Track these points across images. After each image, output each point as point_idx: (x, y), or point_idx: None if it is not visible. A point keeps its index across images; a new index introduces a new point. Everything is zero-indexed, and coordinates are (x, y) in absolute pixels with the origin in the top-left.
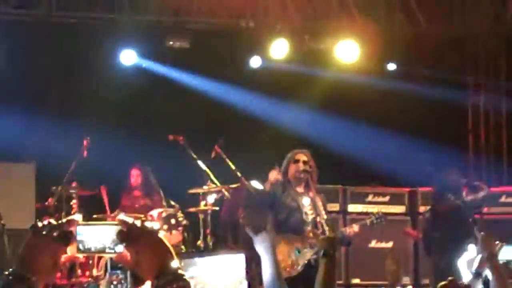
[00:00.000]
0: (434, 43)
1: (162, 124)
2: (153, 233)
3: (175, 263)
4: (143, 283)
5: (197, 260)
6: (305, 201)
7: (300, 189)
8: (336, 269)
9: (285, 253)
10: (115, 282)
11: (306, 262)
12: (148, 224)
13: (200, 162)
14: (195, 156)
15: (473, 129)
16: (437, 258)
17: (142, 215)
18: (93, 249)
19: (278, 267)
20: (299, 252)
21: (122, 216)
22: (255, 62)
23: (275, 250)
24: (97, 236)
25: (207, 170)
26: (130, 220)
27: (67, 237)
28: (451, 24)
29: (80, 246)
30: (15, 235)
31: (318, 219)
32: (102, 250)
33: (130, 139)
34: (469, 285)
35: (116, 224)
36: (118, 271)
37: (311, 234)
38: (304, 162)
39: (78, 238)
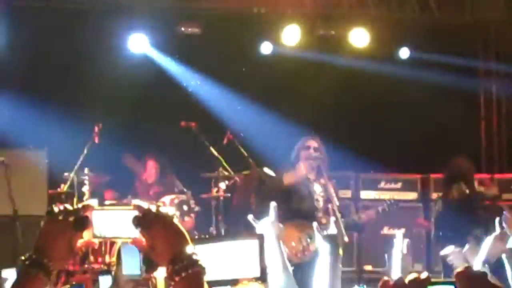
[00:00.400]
0: (446, 30)
1: (173, 110)
2: (168, 218)
3: (190, 249)
4: (155, 269)
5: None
6: (317, 188)
7: (311, 176)
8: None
9: (297, 239)
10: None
11: (317, 248)
12: (163, 209)
13: (212, 149)
14: (207, 143)
15: (485, 116)
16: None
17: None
18: (108, 234)
19: (283, 256)
20: (310, 238)
21: (137, 201)
22: (266, 48)
23: (279, 240)
24: (113, 221)
25: (219, 157)
26: (145, 205)
27: (83, 223)
28: (463, 11)
29: (96, 231)
30: (27, 221)
31: (330, 205)
32: (118, 235)
33: (141, 125)
34: (485, 273)
35: (131, 209)
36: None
37: (323, 220)
38: (315, 149)
39: (94, 223)
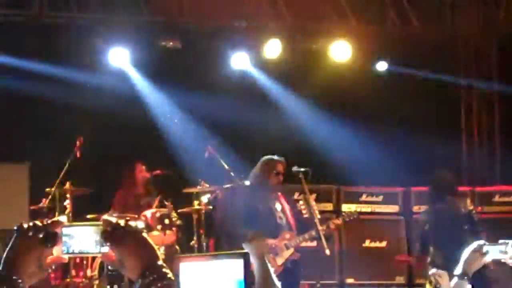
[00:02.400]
0: (426, 43)
1: (154, 123)
2: (137, 232)
3: (160, 262)
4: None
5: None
6: (277, 206)
7: (273, 195)
8: None
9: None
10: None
11: (283, 263)
12: (132, 223)
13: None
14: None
15: (466, 129)
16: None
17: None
18: (78, 250)
19: (268, 272)
20: (276, 255)
21: (105, 216)
22: (246, 62)
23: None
24: (82, 236)
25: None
26: (113, 219)
27: (53, 238)
28: (443, 24)
29: (65, 247)
30: (7, 236)
31: (292, 221)
32: (87, 251)
33: (122, 139)
34: None
35: (100, 224)
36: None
37: (286, 235)
38: (283, 174)
39: (64, 239)
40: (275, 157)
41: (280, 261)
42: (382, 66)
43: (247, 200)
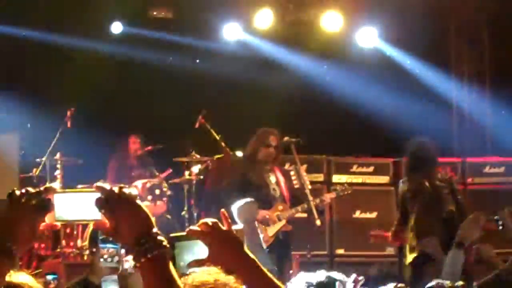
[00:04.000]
0: (419, 11)
1: (146, 94)
2: (132, 199)
3: (154, 230)
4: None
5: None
6: (272, 178)
7: (267, 167)
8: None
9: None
10: (106, 256)
11: (274, 234)
12: (126, 190)
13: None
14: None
15: (457, 102)
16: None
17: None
18: (71, 217)
19: (258, 237)
20: (267, 225)
21: (99, 183)
22: (237, 31)
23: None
24: (75, 203)
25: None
26: (107, 186)
27: (45, 205)
28: None
29: (58, 214)
30: None
31: (285, 193)
32: (80, 218)
33: (115, 110)
34: None
35: (94, 192)
36: (109, 245)
37: (279, 207)
38: (275, 147)
39: (56, 206)
40: (269, 129)
41: (271, 232)
42: (371, 40)
43: (241, 171)
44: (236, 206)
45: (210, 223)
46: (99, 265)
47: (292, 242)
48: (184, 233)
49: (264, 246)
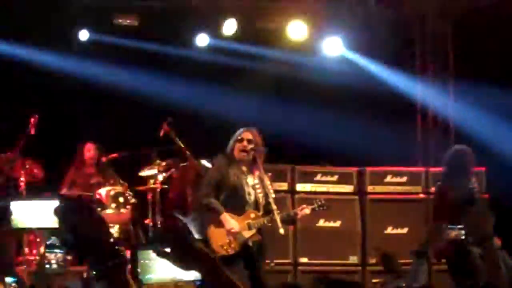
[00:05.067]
0: (383, 23)
1: (111, 101)
2: (92, 210)
3: (113, 240)
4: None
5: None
6: (249, 180)
7: (244, 168)
8: None
9: (223, 232)
10: (53, 261)
11: (243, 242)
12: (85, 200)
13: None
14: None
15: (421, 110)
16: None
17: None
18: (29, 224)
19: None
20: (235, 237)
21: (61, 192)
22: (202, 40)
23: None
24: (33, 211)
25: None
26: (67, 195)
27: (3, 213)
28: (400, 5)
29: (16, 222)
30: None
31: (260, 200)
32: (39, 226)
33: (78, 117)
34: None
35: (53, 200)
36: (57, 250)
37: (251, 215)
38: (249, 141)
39: (15, 213)
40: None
41: (240, 239)
42: (336, 48)
43: (219, 169)
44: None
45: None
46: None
47: (263, 251)
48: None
49: (231, 252)
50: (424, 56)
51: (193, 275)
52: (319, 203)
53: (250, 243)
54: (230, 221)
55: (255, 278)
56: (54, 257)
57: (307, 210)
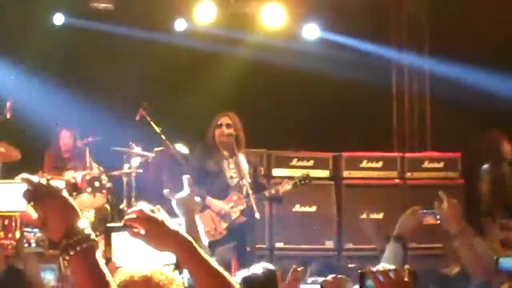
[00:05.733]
0: (358, 7)
1: (86, 86)
2: (59, 192)
3: (82, 223)
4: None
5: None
6: (231, 165)
7: (226, 153)
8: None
9: (208, 217)
10: (32, 241)
11: (229, 224)
12: (54, 182)
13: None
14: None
15: (397, 95)
16: None
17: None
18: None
19: (196, 229)
20: (222, 217)
21: (26, 174)
22: (180, 25)
23: (193, 213)
24: (1, 194)
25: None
26: (35, 178)
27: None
28: None
29: None
30: None
31: (243, 182)
32: (6, 209)
33: (54, 101)
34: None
35: (19, 183)
36: (36, 229)
37: (234, 197)
38: (228, 125)
39: None
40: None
41: (224, 224)
42: (313, 31)
43: (198, 157)
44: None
45: (146, 211)
46: (24, 250)
47: (247, 233)
48: (120, 224)
49: (204, 239)
50: (400, 39)
51: (168, 257)
52: (300, 177)
53: (236, 227)
54: (217, 204)
55: (244, 258)
56: (33, 237)
57: (287, 186)
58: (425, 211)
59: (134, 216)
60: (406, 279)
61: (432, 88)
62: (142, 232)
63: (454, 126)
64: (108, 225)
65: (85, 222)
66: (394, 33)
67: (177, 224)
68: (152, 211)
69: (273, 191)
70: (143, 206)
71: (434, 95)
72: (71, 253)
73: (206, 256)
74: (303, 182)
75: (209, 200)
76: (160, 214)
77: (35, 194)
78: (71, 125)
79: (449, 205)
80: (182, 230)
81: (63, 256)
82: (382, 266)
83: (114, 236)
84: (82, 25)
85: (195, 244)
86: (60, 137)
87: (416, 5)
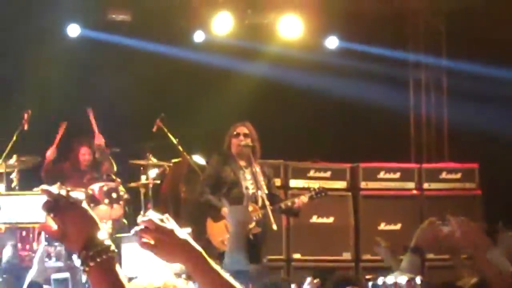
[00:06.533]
0: (376, 18)
1: (106, 96)
2: (79, 203)
3: (102, 234)
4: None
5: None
6: (247, 175)
7: (242, 163)
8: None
9: (223, 227)
10: (52, 255)
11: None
12: (73, 194)
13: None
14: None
15: (414, 106)
16: None
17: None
18: (15, 220)
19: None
20: None
21: (45, 186)
22: (198, 37)
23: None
24: (20, 206)
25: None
26: (54, 190)
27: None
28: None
29: (2, 217)
30: None
31: (259, 193)
32: (25, 221)
33: (71, 112)
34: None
35: (40, 195)
36: (56, 243)
37: (250, 208)
38: (245, 135)
39: (1, 208)
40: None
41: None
42: (333, 42)
43: (214, 166)
44: (230, 208)
45: (155, 221)
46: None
47: (262, 244)
48: (130, 234)
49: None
50: (417, 53)
51: (178, 267)
52: (316, 190)
53: (251, 236)
54: None
55: (259, 270)
56: (54, 251)
57: (304, 198)
58: (441, 223)
59: (143, 226)
60: None
61: (449, 98)
62: (152, 242)
63: (471, 136)
64: (118, 235)
65: (104, 234)
66: (411, 43)
67: (186, 234)
68: (162, 220)
69: (289, 203)
70: (153, 215)
71: (452, 105)
72: (91, 264)
73: (215, 266)
74: (319, 195)
75: (225, 211)
76: (170, 223)
77: (55, 206)
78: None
79: (459, 224)
80: (191, 240)
81: (83, 267)
82: (395, 276)
83: (124, 247)
84: (98, 37)
85: (204, 254)
86: (80, 154)
87: (433, 14)
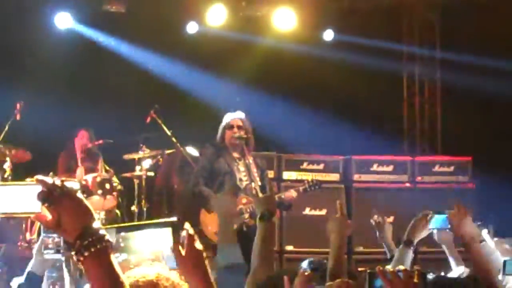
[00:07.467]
0: (370, 11)
1: (97, 89)
2: (74, 193)
3: (96, 224)
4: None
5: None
6: (240, 167)
7: (236, 155)
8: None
9: (216, 218)
10: (50, 246)
11: (238, 227)
12: (68, 183)
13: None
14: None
15: (408, 99)
16: None
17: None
18: (10, 210)
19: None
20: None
21: (40, 176)
22: (191, 28)
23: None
24: (15, 196)
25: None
26: (50, 180)
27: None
28: None
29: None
30: None
31: (252, 185)
32: (20, 210)
33: (64, 103)
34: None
35: (34, 184)
36: (54, 234)
37: (243, 200)
38: (239, 127)
39: None
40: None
41: (234, 225)
42: (328, 35)
43: (208, 157)
44: (214, 199)
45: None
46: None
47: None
48: (128, 224)
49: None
50: (411, 46)
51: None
52: (310, 182)
53: (245, 228)
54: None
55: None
56: (52, 242)
57: (293, 192)
58: (435, 215)
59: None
60: (415, 280)
61: (443, 92)
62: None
63: (465, 130)
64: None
65: (99, 223)
66: (405, 36)
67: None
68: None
69: (282, 196)
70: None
71: (445, 98)
72: (86, 254)
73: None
74: (313, 188)
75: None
76: (199, 243)
77: (50, 195)
78: (87, 125)
79: (460, 212)
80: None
81: (78, 257)
82: (392, 267)
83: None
84: (93, 29)
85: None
86: (78, 136)
87: (428, 7)
